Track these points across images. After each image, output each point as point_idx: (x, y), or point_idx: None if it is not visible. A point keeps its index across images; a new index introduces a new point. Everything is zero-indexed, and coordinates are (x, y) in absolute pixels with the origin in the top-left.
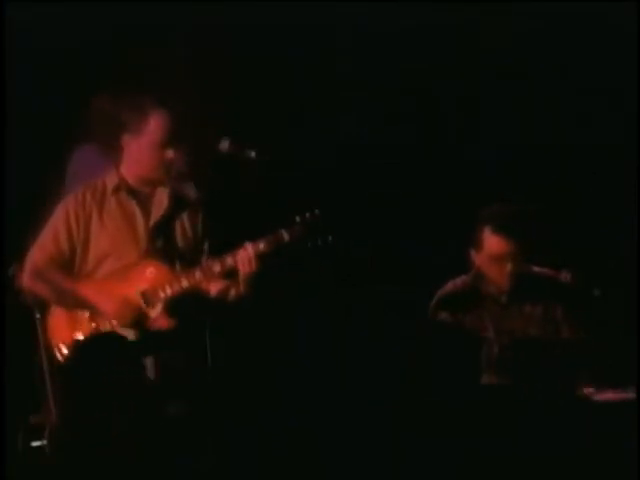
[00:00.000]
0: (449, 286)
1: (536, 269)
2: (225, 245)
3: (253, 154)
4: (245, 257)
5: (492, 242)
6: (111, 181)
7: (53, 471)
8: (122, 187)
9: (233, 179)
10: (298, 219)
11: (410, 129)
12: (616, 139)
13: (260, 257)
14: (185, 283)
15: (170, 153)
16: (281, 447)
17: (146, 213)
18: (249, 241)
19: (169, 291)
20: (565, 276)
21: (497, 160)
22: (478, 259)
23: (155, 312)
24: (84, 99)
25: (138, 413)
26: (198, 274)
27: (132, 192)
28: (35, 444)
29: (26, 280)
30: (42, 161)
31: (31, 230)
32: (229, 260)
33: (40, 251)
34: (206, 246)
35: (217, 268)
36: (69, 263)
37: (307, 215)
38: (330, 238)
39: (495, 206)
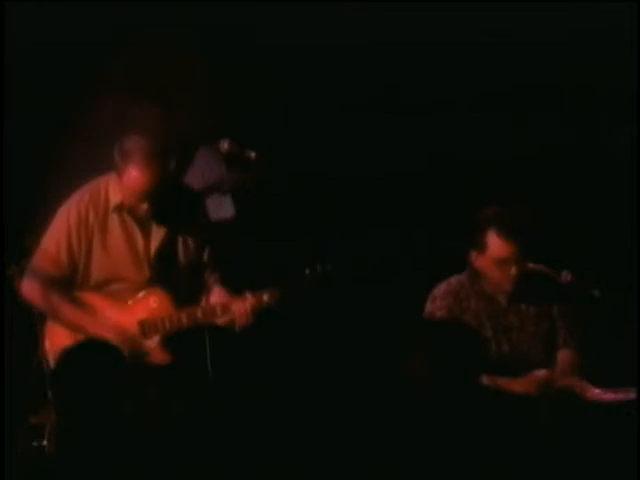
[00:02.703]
0: (444, 285)
1: (531, 265)
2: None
3: (253, 154)
4: (243, 311)
5: (498, 245)
6: (114, 196)
7: (53, 471)
8: (124, 205)
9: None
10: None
11: (410, 129)
12: (616, 139)
13: (260, 308)
14: (185, 321)
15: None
16: (278, 446)
17: (146, 234)
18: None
19: (167, 325)
20: (565, 276)
21: (497, 160)
22: (480, 261)
23: (152, 343)
24: (84, 99)
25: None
26: (200, 313)
27: (132, 211)
28: (35, 444)
29: (25, 294)
30: (42, 161)
31: (31, 230)
32: (232, 307)
33: (40, 266)
34: (206, 256)
35: (218, 311)
36: (69, 278)
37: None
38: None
39: (498, 208)
